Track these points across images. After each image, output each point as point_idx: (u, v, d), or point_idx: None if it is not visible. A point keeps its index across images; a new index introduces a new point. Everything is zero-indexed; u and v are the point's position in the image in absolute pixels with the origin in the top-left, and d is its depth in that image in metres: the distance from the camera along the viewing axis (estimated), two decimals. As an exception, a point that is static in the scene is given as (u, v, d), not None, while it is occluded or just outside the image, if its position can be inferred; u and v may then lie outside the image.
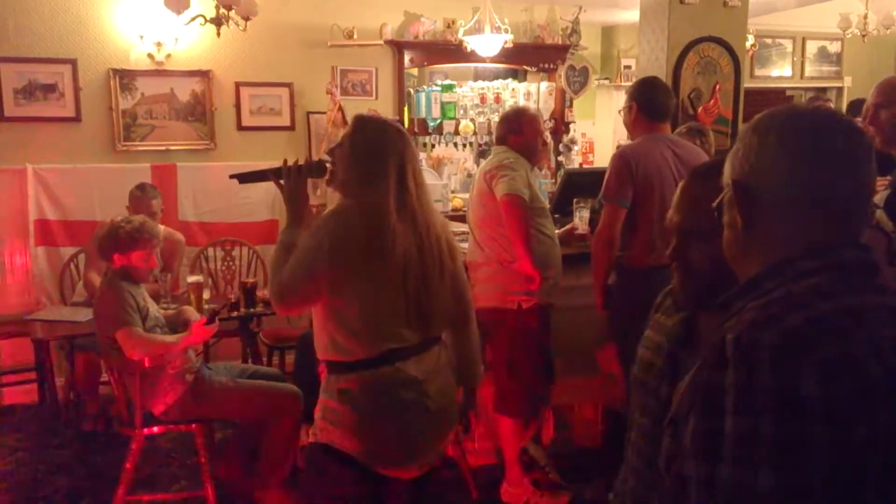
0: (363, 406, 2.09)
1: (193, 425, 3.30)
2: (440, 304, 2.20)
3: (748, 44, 6.22)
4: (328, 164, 2.26)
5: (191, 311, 3.56)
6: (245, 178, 2.42)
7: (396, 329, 2.11)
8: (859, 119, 2.68)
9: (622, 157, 3.16)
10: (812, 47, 7.97)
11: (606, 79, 7.06)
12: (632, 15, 5.71)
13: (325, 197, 4.84)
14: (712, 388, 0.95)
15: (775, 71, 7.89)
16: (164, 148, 5.24)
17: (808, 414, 0.88)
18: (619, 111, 3.66)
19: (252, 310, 4.01)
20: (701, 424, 0.96)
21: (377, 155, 2.13)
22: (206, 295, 4.06)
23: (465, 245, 3.59)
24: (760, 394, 0.89)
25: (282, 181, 2.29)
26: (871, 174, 1.08)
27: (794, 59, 7.93)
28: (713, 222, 1.17)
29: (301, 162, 2.30)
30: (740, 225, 1.09)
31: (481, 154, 6.20)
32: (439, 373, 2.21)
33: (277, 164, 2.30)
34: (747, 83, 5.84)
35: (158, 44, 5.08)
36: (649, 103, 3.25)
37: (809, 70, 8.00)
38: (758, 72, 7.74)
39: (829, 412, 0.88)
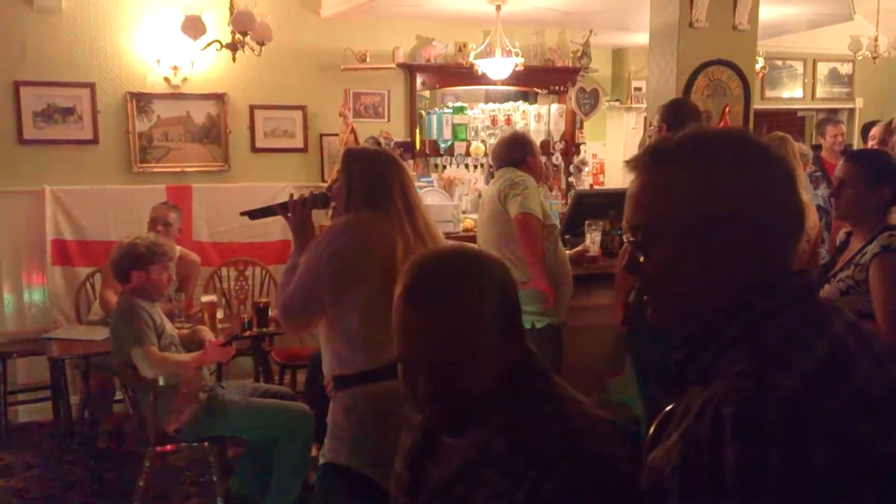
0: (368, 420, 2.12)
1: (206, 443, 3.33)
2: None
3: (758, 66, 6.25)
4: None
5: (205, 331, 3.60)
6: (255, 214, 2.57)
7: None
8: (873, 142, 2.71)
9: None
10: (823, 69, 8.00)
11: (617, 100, 7.11)
12: (642, 38, 5.76)
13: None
14: (709, 467, 0.88)
15: (786, 92, 7.91)
16: (179, 169, 5.31)
17: (821, 488, 0.84)
18: (648, 130, 3.68)
19: (264, 329, 4.04)
20: None
21: (378, 179, 2.23)
22: (219, 314, 4.10)
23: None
24: (770, 471, 0.84)
25: (289, 214, 2.40)
26: (794, 191, 1.02)
27: (805, 80, 7.96)
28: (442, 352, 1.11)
29: (306, 195, 2.43)
30: (670, 268, 1.01)
31: (492, 175, 6.23)
32: None
33: (284, 198, 2.45)
34: (758, 104, 5.86)
35: (175, 68, 5.17)
36: (678, 125, 3.28)
37: (821, 91, 8.02)
38: (769, 93, 7.76)
39: (840, 485, 0.85)
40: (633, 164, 1.07)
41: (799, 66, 7.93)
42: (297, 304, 2.15)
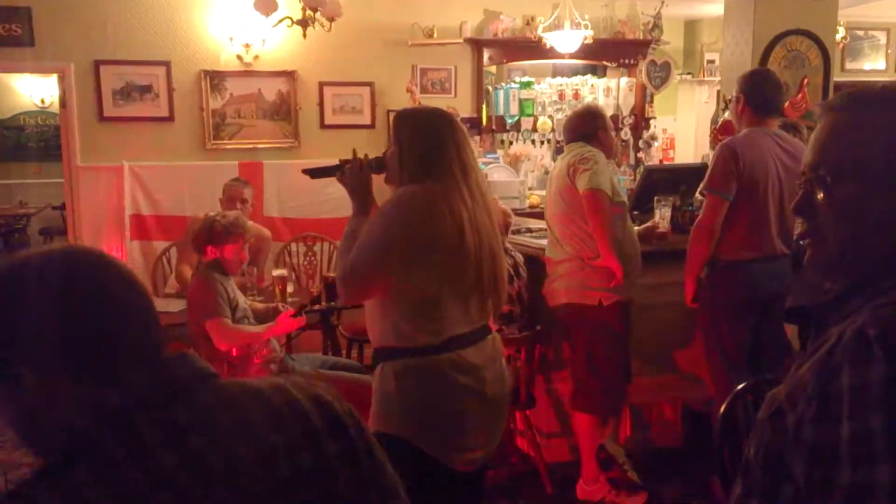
0: (421, 389, 2.08)
1: (278, 413, 3.41)
2: (505, 279, 2.23)
3: (838, 36, 6.01)
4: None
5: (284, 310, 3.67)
6: (316, 173, 2.53)
7: (462, 312, 2.10)
8: None
9: (729, 148, 3.11)
10: (908, 39, 7.64)
11: (689, 74, 6.93)
12: (716, 8, 5.60)
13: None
14: (853, 387, 0.88)
15: (868, 64, 7.59)
16: (251, 146, 5.42)
17: None
18: (727, 101, 3.59)
19: (333, 303, 4.11)
20: (820, 434, 0.90)
21: (431, 143, 2.12)
22: (289, 288, 4.19)
23: (544, 242, 3.60)
24: None
25: (345, 175, 2.32)
26: None
27: (889, 51, 7.61)
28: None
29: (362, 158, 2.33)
30: (852, 208, 1.01)
31: (559, 151, 6.18)
32: (495, 360, 2.21)
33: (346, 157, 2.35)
34: (837, 77, 5.64)
35: (247, 45, 5.26)
36: (757, 97, 3.19)
37: (905, 63, 7.68)
38: (849, 65, 7.46)
39: None
40: (828, 105, 1.06)
41: (882, 36, 7.58)
42: (361, 271, 2.06)
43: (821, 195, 1.02)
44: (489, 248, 2.12)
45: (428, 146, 2.11)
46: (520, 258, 3.61)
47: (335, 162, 2.44)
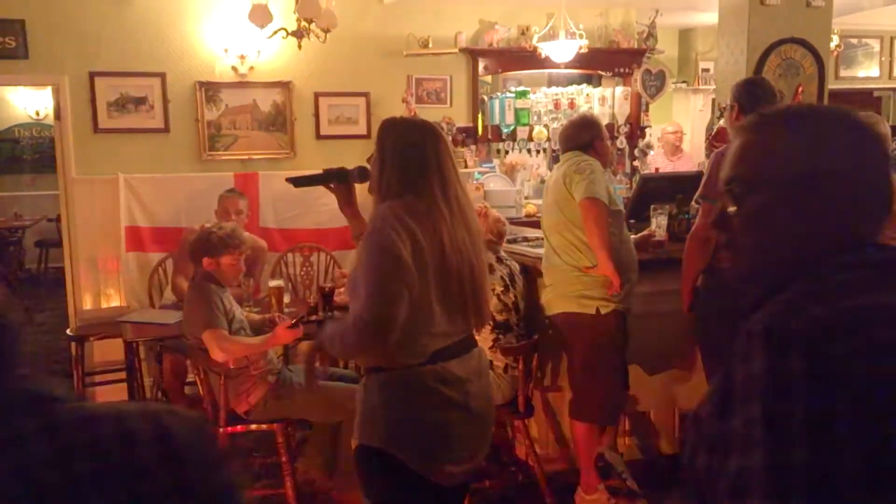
0: (405, 401, 2.07)
1: (275, 425, 3.40)
2: (487, 295, 2.23)
3: (832, 44, 6.03)
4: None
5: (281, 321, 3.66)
6: (300, 181, 2.53)
7: (447, 327, 2.09)
8: None
9: (724, 156, 3.11)
10: (901, 46, 7.68)
11: (684, 82, 6.96)
12: (710, 17, 5.62)
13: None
14: (742, 382, 0.95)
15: (862, 72, 7.62)
16: (246, 157, 5.42)
17: (836, 391, 0.89)
18: (722, 109, 3.59)
19: (330, 313, 4.10)
20: (717, 424, 0.97)
21: (411, 155, 2.10)
22: (286, 299, 4.17)
23: (540, 251, 3.60)
24: (792, 378, 0.90)
25: (332, 186, 2.38)
26: (885, 172, 1.06)
27: (882, 59, 7.65)
28: None
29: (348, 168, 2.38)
30: (760, 218, 1.08)
31: (555, 160, 6.18)
32: (480, 374, 2.21)
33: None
34: (832, 84, 5.67)
35: (242, 57, 5.26)
36: (752, 105, 3.19)
37: (899, 70, 7.71)
38: (843, 73, 7.49)
39: (861, 392, 0.89)
40: (741, 126, 1.14)
41: (875, 44, 7.63)
42: (392, 313, 1.96)
43: (732, 208, 1.10)
44: (469, 264, 2.11)
45: (408, 159, 2.10)
46: (515, 267, 3.61)
47: (320, 171, 2.47)
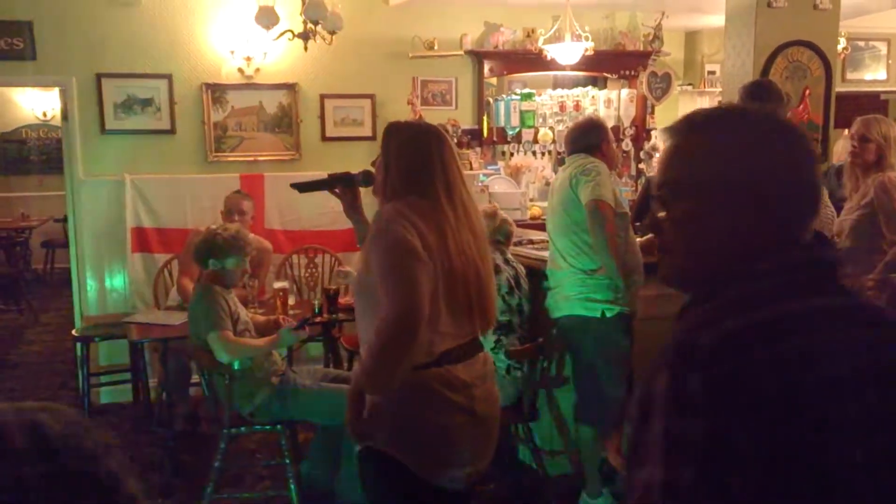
0: (410, 404, 2.05)
1: (278, 426, 3.40)
2: (493, 298, 2.21)
3: (839, 47, 6.01)
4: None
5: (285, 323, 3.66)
6: (304, 187, 2.53)
7: (454, 328, 2.09)
8: None
9: None
10: (909, 49, 7.65)
11: (690, 85, 6.94)
12: (716, 19, 5.61)
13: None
14: (653, 395, 0.97)
15: (868, 74, 7.60)
16: (252, 158, 5.42)
17: (733, 413, 0.89)
18: None
19: (334, 315, 4.10)
20: (637, 431, 0.98)
21: (416, 159, 2.11)
22: (291, 300, 4.18)
23: (545, 253, 3.59)
24: (691, 397, 0.91)
25: (337, 190, 2.40)
26: (812, 173, 1.07)
27: (889, 61, 7.62)
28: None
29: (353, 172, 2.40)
30: (686, 223, 1.08)
31: (560, 162, 6.18)
32: (486, 379, 2.20)
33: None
34: (838, 87, 5.65)
35: (248, 58, 5.27)
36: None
37: (906, 73, 7.68)
38: (850, 75, 7.47)
39: (752, 413, 0.90)
40: (669, 130, 1.13)
41: (882, 47, 7.60)
42: (421, 305, 1.94)
43: (662, 213, 1.11)
44: (474, 267, 2.11)
45: (413, 162, 2.11)
46: (522, 270, 3.60)
47: (324, 176, 2.47)
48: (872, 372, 0.98)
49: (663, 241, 1.12)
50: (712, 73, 6.81)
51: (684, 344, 0.96)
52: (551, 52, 5.50)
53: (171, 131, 5.26)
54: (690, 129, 1.10)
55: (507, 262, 3.53)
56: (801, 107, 4.73)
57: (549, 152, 6.35)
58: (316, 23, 4.71)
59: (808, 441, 0.92)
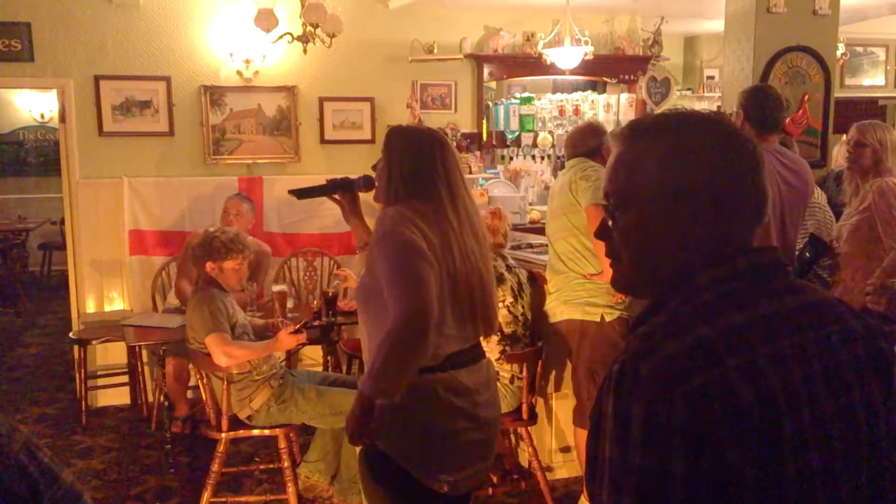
0: (413, 408, 2.05)
1: (277, 430, 3.39)
2: (495, 303, 2.21)
3: (838, 53, 6.02)
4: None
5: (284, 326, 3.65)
6: (303, 193, 2.52)
7: (458, 332, 2.08)
8: None
9: None
10: (907, 55, 7.67)
11: (689, 89, 6.95)
12: (716, 25, 5.61)
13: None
14: (598, 415, 0.98)
15: (867, 80, 7.62)
16: (251, 161, 5.42)
17: (673, 446, 0.89)
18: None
19: (333, 319, 4.09)
20: (591, 449, 1.00)
21: (419, 163, 2.10)
22: (289, 304, 4.17)
23: (545, 257, 3.58)
24: (632, 429, 0.91)
25: (336, 196, 2.40)
26: (755, 179, 1.04)
27: (888, 67, 7.64)
28: None
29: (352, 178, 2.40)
30: (632, 233, 1.07)
31: (560, 166, 6.18)
32: (488, 384, 2.20)
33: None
34: (837, 93, 5.65)
35: (247, 61, 5.26)
36: (758, 113, 3.18)
37: (904, 79, 7.70)
38: (848, 81, 7.49)
39: (693, 443, 0.89)
40: (614, 137, 1.13)
41: (881, 53, 7.62)
42: (430, 303, 1.92)
43: (610, 222, 1.10)
44: (478, 272, 2.10)
45: (416, 166, 2.10)
46: (524, 276, 3.57)
47: (323, 182, 2.46)
48: (822, 376, 0.97)
49: (610, 249, 1.12)
50: (711, 78, 6.82)
51: (626, 373, 0.95)
52: (551, 56, 5.50)
53: (170, 134, 5.25)
54: (632, 137, 1.09)
55: (509, 268, 3.50)
56: (801, 112, 4.73)
57: (549, 156, 6.35)
58: (315, 26, 4.70)
59: (759, 460, 0.90)
